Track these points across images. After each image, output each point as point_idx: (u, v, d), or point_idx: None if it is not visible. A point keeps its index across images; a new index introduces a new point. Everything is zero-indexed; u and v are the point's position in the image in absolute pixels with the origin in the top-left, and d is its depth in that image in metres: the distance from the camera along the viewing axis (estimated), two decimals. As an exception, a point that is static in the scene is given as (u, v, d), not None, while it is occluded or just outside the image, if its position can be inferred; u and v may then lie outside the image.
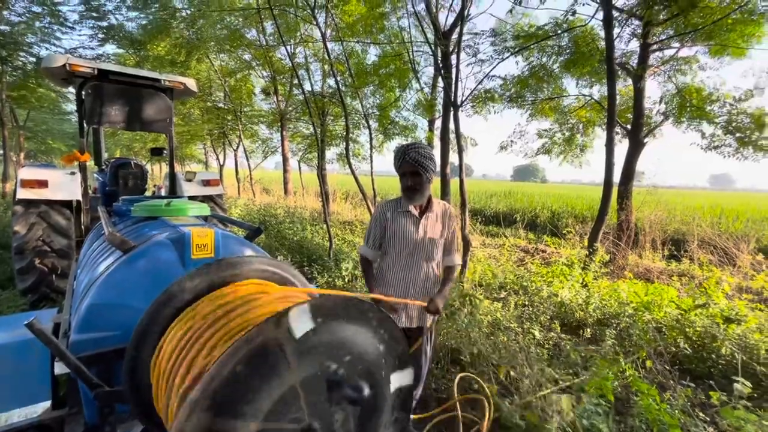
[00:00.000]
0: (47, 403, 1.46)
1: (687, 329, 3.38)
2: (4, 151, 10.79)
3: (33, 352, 1.49)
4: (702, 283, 4.33)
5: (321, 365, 0.80)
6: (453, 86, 4.39)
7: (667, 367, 2.98)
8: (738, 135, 6.45)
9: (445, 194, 6.63)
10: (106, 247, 1.83)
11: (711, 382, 2.90)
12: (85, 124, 3.50)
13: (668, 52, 7.38)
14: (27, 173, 3.62)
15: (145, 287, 1.41)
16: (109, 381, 1.33)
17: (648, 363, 3.00)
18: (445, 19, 6.79)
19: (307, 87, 9.47)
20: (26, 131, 16.87)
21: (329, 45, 7.52)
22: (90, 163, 4.00)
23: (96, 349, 1.31)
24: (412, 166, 1.88)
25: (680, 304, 3.74)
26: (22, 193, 3.51)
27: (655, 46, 6.81)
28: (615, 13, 6.02)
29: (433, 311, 1.91)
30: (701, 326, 3.33)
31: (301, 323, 0.75)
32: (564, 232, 8.18)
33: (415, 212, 1.99)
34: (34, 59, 10.10)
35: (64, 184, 3.72)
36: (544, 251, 7.83)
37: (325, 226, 6.84)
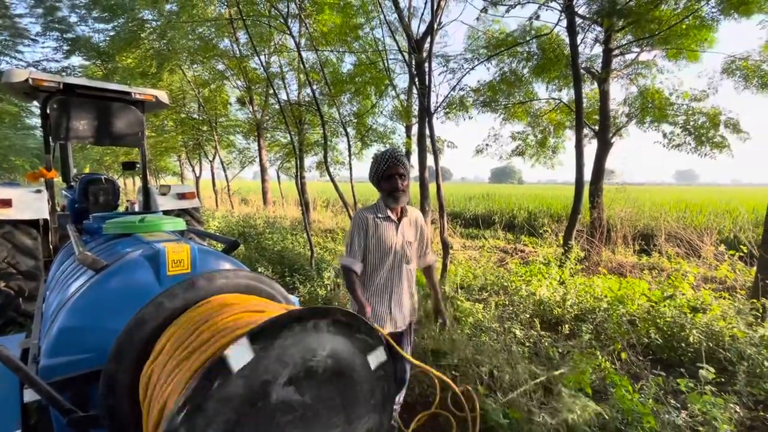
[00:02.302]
0: None
1: (657, 320, 3.53)
2: (-36, 170, 10.23)
3: (0, 379, 1.43)
4: (670, 276, 4.54)
5: (274, 385, 0.79)
6: (426, 94, 4.49)
7: (640, 358, 3.11)
8: (695, 133, 6.84)
9: (424, 198, 6.72)
10: (76, 267, 1.78)
11: (681, 369, 3.04)
12: (51, 140, 3.39)
13: (630, 56, 7.77)
14: None
15: (119, 307, 1.38)
16: (84, 405, 1.29)
17: (623, 355, 3.12)
18: (417, 27, 6.94)
19: (282, 96, 9.44)
20: (-14, 148, 16.08)
21: (304, 54, 7.54)
22: (58, 180, 3.87)
23: (68, 374, 1.28)
24: (399, 168, 1.95)
25: (651, 297, 3.91)
26: (-16, 214, 3.36)
27: (616, 51, 7.16)
28: (578, 20, 6.30)
29: (444, 319, 2.26)
30: (670, 317, 3.49)
31: (239, 358, 0.75)
32: (541, 231, 8.40)
33: (394, 218, 2.03)
34: (-7, 73, 9.69)
35: (29, 203, 3.58)
36: (522, 251, 8.02)
37: (305, 234, 6.80)
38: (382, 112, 9.72)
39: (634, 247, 7.21)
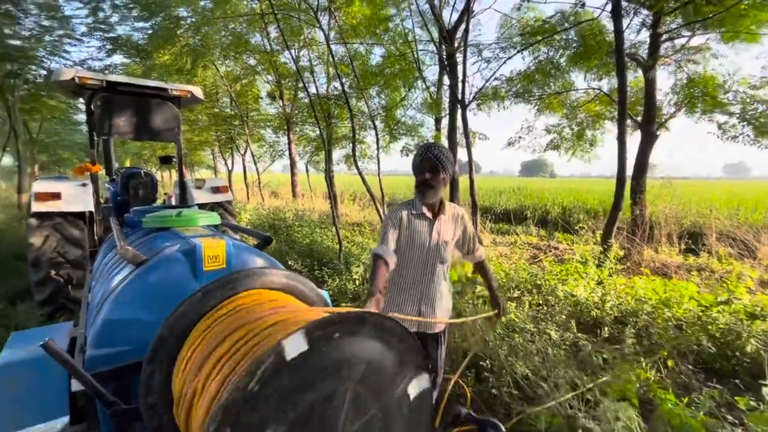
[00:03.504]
0: (65, 419, 1.46)
1: (709, 327, 3.28)
2: (19, 163, 11.00)
3: (50, 368, 1.49)
4: (722, 278, 4.21)
5: (323, 385, 0.79)
6: (460, 85, 4.34)
7: (690, 367, 2.90)
8: (754, 123, 6.28)
9: (454, 192, 6.57)
10: (118, 261, 1.83)
11: (736, 380, 2.81)
12: (95, 136, 3.53)
13: (679, 41, 7.22)
14: (40, 186, 3.67)
15: (157, 301, 1.41)
16: (126, 396, 1.32)
17: (670, 362, 2.92)
18: (449, 16, 6.74)
19: (312, 90, 9.48)
20: (39, 143, 17.22)
21: (333, 47, 7.51)
22: (101, 173, 4.05)
23: (111, 365, 1.31)
24: (432, 162, 1.87)
25: (701, 300, 3.63)
26: (36, 206, 3.56)
27: (665, 36, 6.66)
28: (624, 3, 5.89)
29: (502, 315, 2.17)
30: (724, 323, 3.23)
31: (294, 347, 0.75)
32: (576, 228, 8.05)
33: (429, 215, 1.96)
34: (44, 72, 10.29)
35: (76, 196, 3.76)
36: (556, 248, 7.71)
37: (333, 228, 6.84)
38: (411, 105, 9.58)
39: (680, 246, 6.75)
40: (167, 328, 1.11)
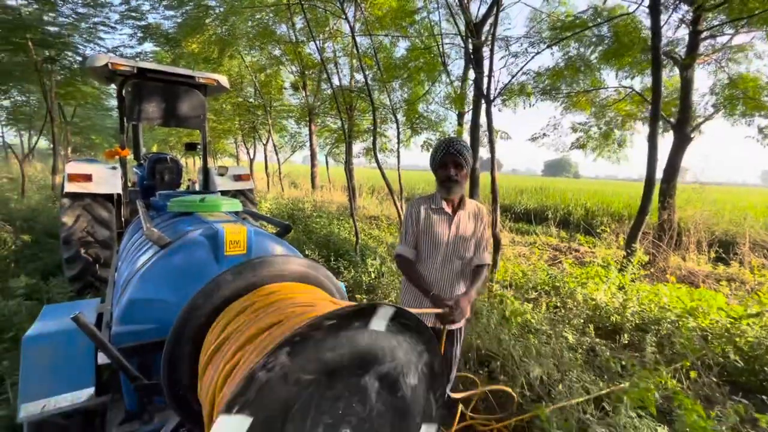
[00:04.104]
0: (91, 390, 1.53)
1: (736, 339, 3.14)
2: (54, 145, 11.47)
3: (78, 341, 1.56)
4: (754, 290, 4.02)
5: (378, 364, 0.84)
6: (486, 79, 4.25)
7: (714, 379, 2.79)
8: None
9: (474, 189, 6.48)
10: (144, 242, 1.89)
11: (763, 396, 2.69)
12: (125, 121, 3.65)
13: (720, 40, 6.85)
14: (73, 168, 3.82)
15: (180, 282, 1.45)
16: (148, 371, 1.38)
17: (692, 374, 2.81)
18: (477, 10, 6.60)
19: (335, 81, 9.49)
20: (72, 126, 17.91)
21: (357, 39, 7.48)
22: (129, 158, 4.18)
23: (135, 341, 1.36)
24: (455, 157, 1.85)
25: (729, 312, 3.48)
26: (69, 187, 3.71)
27: (705, 33, 6.33)
28: (662, -1, 5.62)
29: (453, 320, 1.72)
30: (753, 336, 3.09)
31: (380, 320, 0.82)
32: (599, 231, 7.82)
33: (449, 210, 1.94)
34: (80, 58, 10.65)
35: (106, 179, 3.90)
36: (577, 251, 7.53)
37: (351, 220, 6.87)
38: (434, 99, 9.47)
39: (710, 254, 6.47)
40: (192, 307, 1.14)
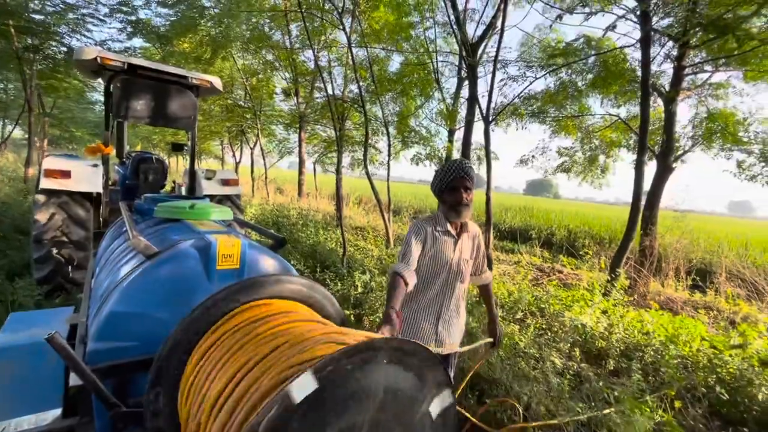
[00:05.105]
0: (58, 411, 1.39)
1: (718, 369, 3.19)
2: (29, 136, 11.00)
3: (48, 355, 1.43)
4: (732, 320, 4.12)
5: (338, 419, 0.75)
6: (482, 100, 4.30)
7: (699, 411, 2.81)
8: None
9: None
10: (127, 249, 1.77)
11: (745, 429, 2.72)
12: (111, 117, 3.50)
13: (701, 76, 7.19)
14: (51, 163, 3.62)
15: (167, 297, 1.34)
16: (124, 394, 1.26)
17: (677, 403, 2.82)
18: (474, 31, 6.73)
19: (329, 90, 9.48)
20: (51, 118, 17.28)
21: (353, 50, 7.50)
22: (111, 156, 4.01)
23: (113, 360, 1.24)
24: (466, 181, 1.84)
25: (712, 341, 3.54)
26: (45, 183, 3.51)
27: (689, 69, 6.63)
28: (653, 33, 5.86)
29: (498, 345, 2.14)
30: (735, 368, 3.14)
31: (302, 389, 0.71)
32: (581, 253, 7.96)
33: (454, 232, 1.90)
34: (65, 49, 10.32)
35: (86, 176, 3.71)
36: (560, 272, 7.63)
37: (338, 231, 6.77)
38: (426, 115, 9.56)
39: (687, 281, 6.66)
40: (182, 329, 1.05)
